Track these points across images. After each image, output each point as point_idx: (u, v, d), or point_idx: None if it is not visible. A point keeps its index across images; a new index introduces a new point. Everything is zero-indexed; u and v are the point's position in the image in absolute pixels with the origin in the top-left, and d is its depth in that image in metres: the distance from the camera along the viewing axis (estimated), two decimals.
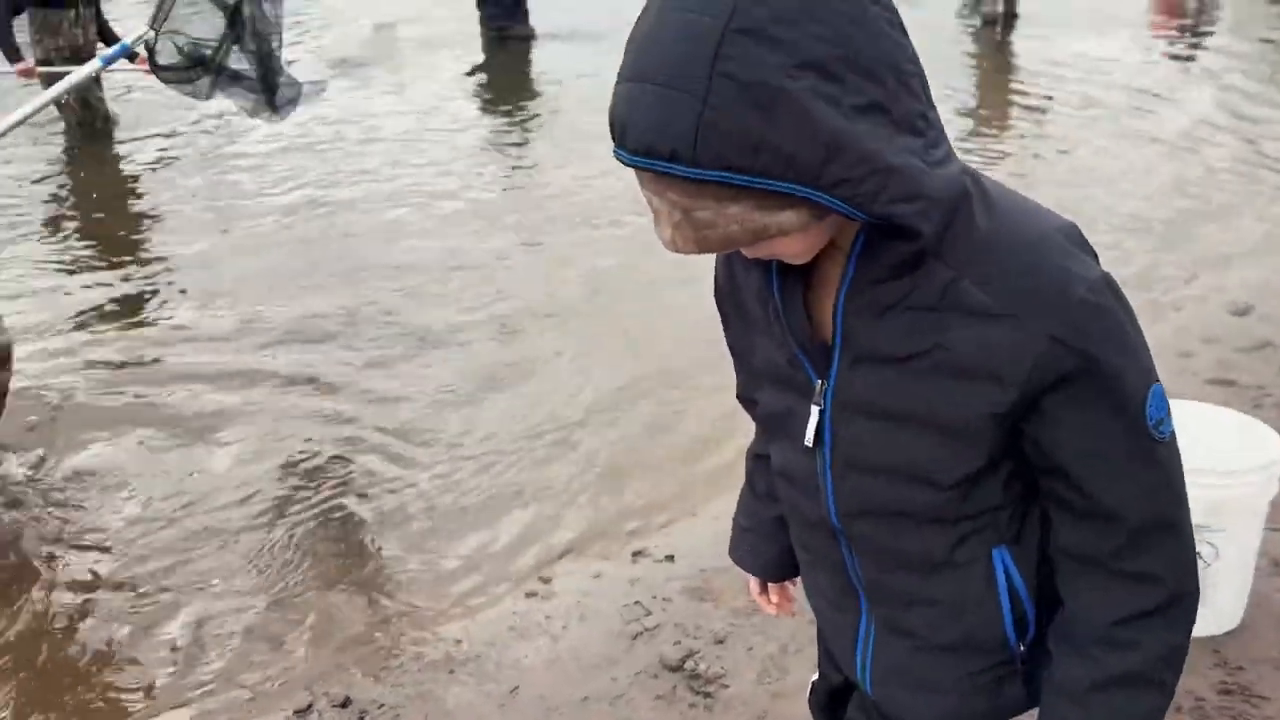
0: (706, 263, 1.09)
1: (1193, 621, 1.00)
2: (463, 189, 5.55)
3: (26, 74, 5.95)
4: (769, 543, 1.29)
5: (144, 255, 4.87)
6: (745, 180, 0.79)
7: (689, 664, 2.26)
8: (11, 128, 2.77)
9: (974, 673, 1.07)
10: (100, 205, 5.55)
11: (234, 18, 3.06)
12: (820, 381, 0.99)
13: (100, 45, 6.19)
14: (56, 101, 6.40)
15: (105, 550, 2.79)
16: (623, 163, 0.83)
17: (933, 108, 0.87)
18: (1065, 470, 0.95)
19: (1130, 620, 0.97)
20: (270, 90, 3.14)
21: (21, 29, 6.42)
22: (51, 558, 2.76)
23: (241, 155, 6.10)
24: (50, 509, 2.96)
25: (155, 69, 3.12)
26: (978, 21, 9.54)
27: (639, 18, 0.84)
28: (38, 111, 2.79)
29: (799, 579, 1.30)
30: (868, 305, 0.93)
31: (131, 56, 3.15)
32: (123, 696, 2.31)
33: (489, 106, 7.33)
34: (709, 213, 0.82)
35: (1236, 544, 2.15)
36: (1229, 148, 6.00)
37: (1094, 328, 0.90)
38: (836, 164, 0.79)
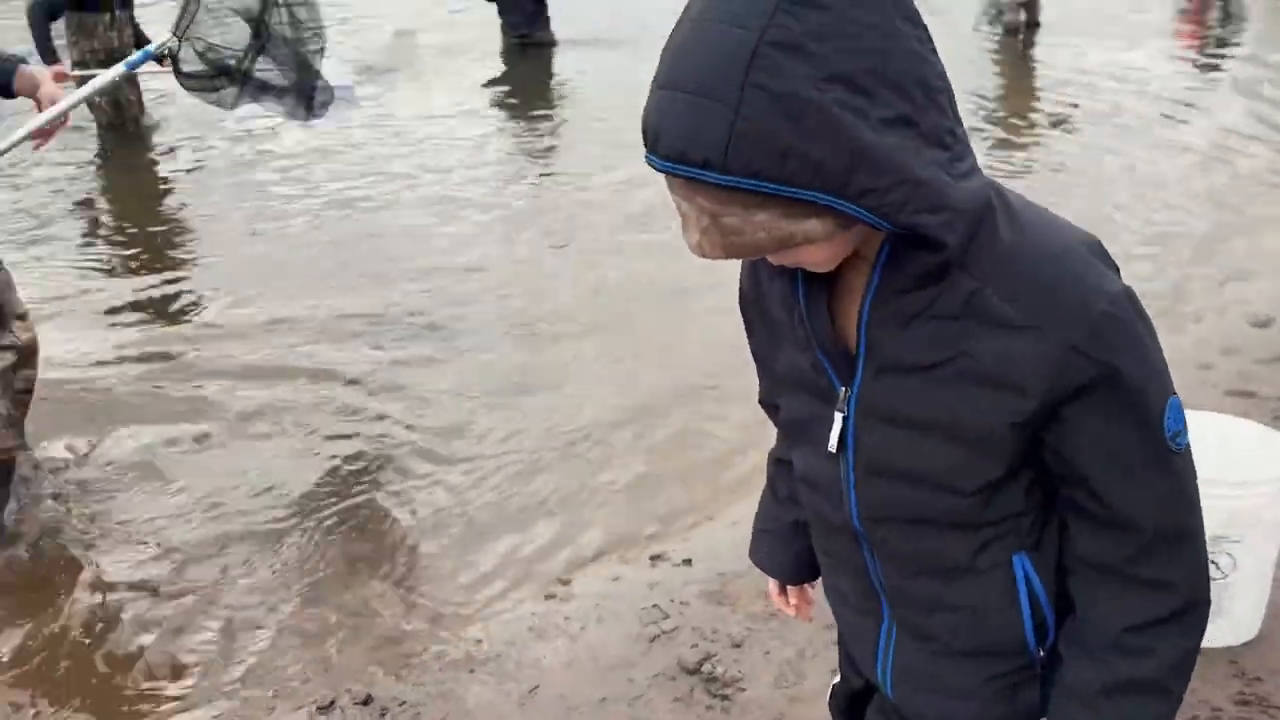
0: (735, 269, 1.11)
1: (1204, 630, 1.02)
2: (489, 194, 5.59)
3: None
4: (789, 546, 1.31)
5: (174, 255, 4.94)
6: (774, 188, 0.81)
7: (706, 667, 2.28)
8: (36, 129, 2.80)
9: (994, 677, 1.09)
10: (130, 206, 5.62)
11: (259, 28, 3.07)
12: (844, 389, 1.01)
13: (135, 49, 6.28)
14: (89, 102, 6.52)
15: (136, 544, 2.83)
16: (654, 168, 0.86)
17: (959, 123, 0.89)
18: (1084, 478, 0.97)
19: (1143, 627, 0.99)
20: (306, 95, 3.16)
21: (58, 35, 6.53)
22: (86, 550, 2.81)
23: (270, 159, 6.17)
24: (85, 502, 3.01)
25: (179, 76, 3.13)
26: (999, 31, 9.52)
27: (674, 28, 0.86)
28: (63, 114, 2.83)
29: (818, 582, 1.32)
30: (892, 314, 0.95)
31: (160, 59, 3.18)
32: (148, 690, 2.35)
33: (513, 113, 7.37)
34: (736, 219, 0.84)
35: (1254, 555, 2.16)
36: (1262, 158, 5.95)
37: (1115, 340, 0.92)
38: (863, 174, 0.81)
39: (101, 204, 5.69)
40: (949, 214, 0.86)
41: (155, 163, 6.32)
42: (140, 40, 6.44)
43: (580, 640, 2.40)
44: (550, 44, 9.25)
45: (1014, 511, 1.02)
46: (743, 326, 1.17)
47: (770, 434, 1.29)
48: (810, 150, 0.80)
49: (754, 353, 1.18)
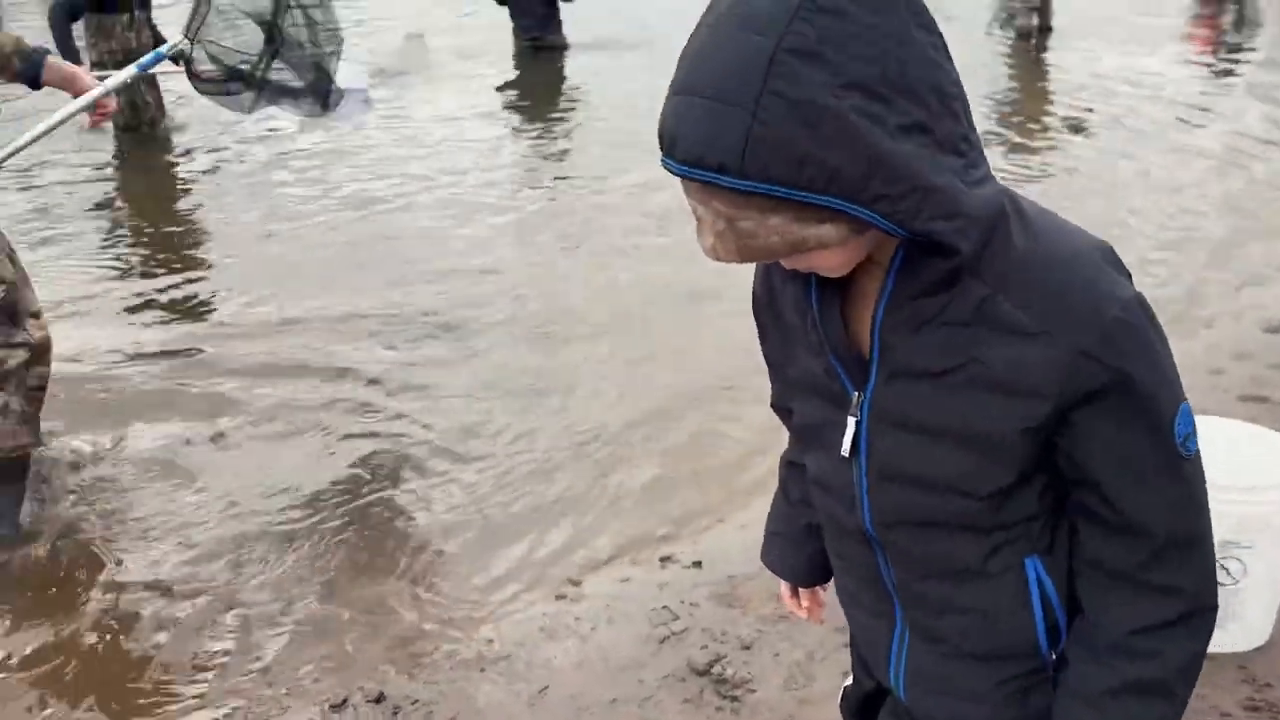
0: (749, 272, 1.13)
1: (1211, 634, 1.03)
2: (504, 197, 5.61)
3: None
4: (801, 549, 1.32)
5: (190, 255, 4.97)
6: (789, 193, 0.82)
7: (716, 669, 2.29)
8: (48, 130, 2.82)
9: (1006, 680, 1.10)
10: (147, 207, 5.66)
11: (272, 32, 3.07)
12: (857, 393, 1.02)
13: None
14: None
15: (153, 541, 2.85)
16: (671, 172, 0.87)
17: (973, 130, 0.90)
18: (1095, 483, 0.98)
19: (1151, 630, 1.00)
20: (322, 94, 3.17)
21: (79, 36, 6.59)
22: (103, 548, 2.83)
23: (286, 161, 6.21)
24: (103, 500, 3.03)
25: (192, 78, 3.14)
26: (1011, 35, 9.50)
27: (691, 34, 0.88)
28: (73, 115, 2.86)
29: (829, 584, 1.33)
30: (905, 320, 0.96)
31: (175, 59, 3.19)
32: (162, 688, 2.36)
33: (526, 116, 7.39)
34: (751, 223, 0.85)
35: (1265, 560, 2.16)
36: (1278, 163, 5.92)
37: (1126, 346, 0.93)
38: (878, 180, 0.82)
39: (118, 205, 5.73)
40: (963, 221, 0.87)
41: (172, 164, 6.36)
42: (158, 42, 6.48)
43: (591, 641, 2.41)
44: (562, 47, 9.27)
45: (1026, 515, 1.03)
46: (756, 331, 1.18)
47: (782, 437, 1.30)
48: (827, 156, 0.81)
49: (767, 357, 1.19)
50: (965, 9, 9.97)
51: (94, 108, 2.87)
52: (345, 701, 2.25)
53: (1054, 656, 1.08)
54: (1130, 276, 0.98)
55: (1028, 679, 1.09)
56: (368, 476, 3.17)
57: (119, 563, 2.77)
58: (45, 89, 2.82)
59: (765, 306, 1.13)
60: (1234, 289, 4.34)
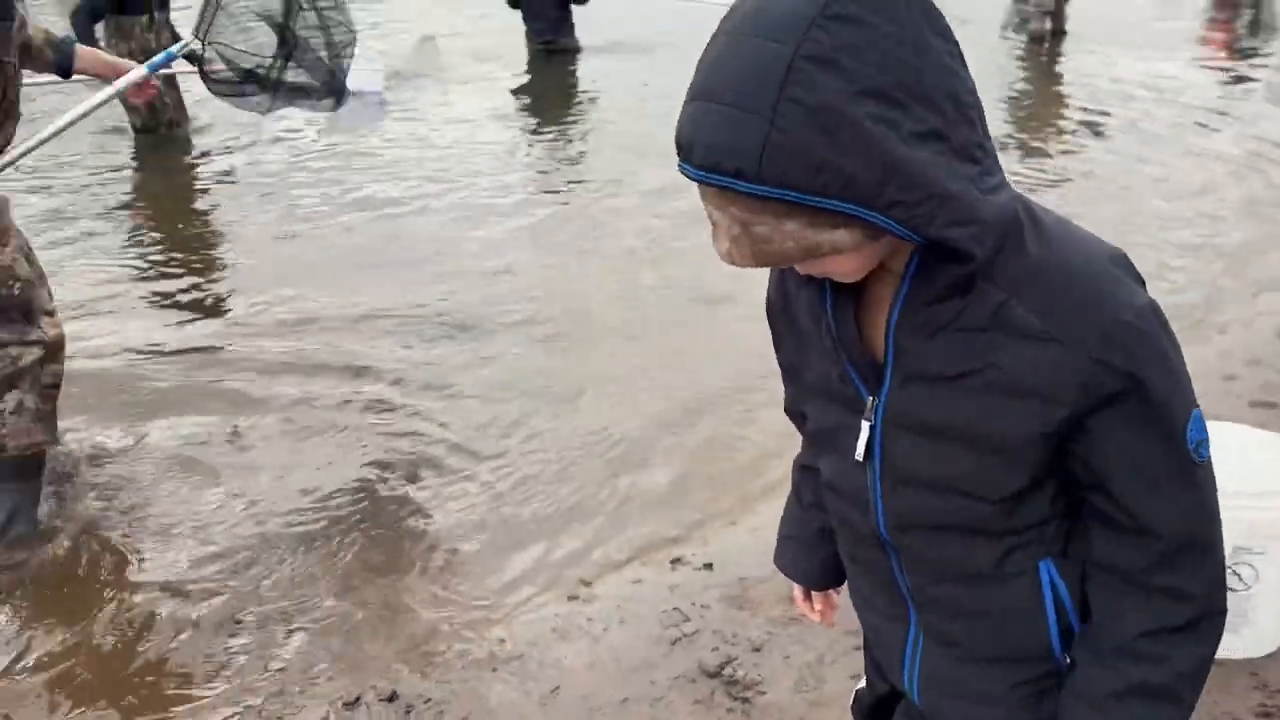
0: (765, 275, 1.14)
1: (1219, 639, 1.03)
2: (518, 200, 5.62)
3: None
4: (814, 552, 1.33)
5: (207, 255, 5.00)
6: (805, 199, 0.83)
7: (727, 670, 2.30)
8: (61, 130, 2.85)
9: (1019, 684, 1.10)
10: (165, 207, 5.70)
11: (284, 34, 3.08)
12: (871, 398, 1.03)
13: None
14: (125, 105, 6.60)
15: (170, 539, 2.87)
16: (688, 177, 0.88)
17: (988, 137, 0.91)
18: (1108, 487, 0.99)
19: (1159, 634, 1.01)
20: (337, 92, 3.18)
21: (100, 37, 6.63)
22: (121, 546, 2.85)
23: (303, 163, 6.23)
24: (121, 498, 3.06)
25: (205, 79, 3.16)
26: (1024, 39, 9.48)
27: (709, 41, 0.89)
28: (87, 114, 2.89)
29: (842, 588, 1.34)
30: (920, 325, 0.97)
31: (190, 59, 3.20)
32: (176, 686, 2.38)
33: (541, 119, 7.41)
34: (767, 228, 0.86)
35: (1276, 566, 2.15)
36: None
37: (1139, 352, 0.94)
38: (894, 187, 0.83)
39: (137, 206, 5.77)
40: (977, 227, 0.88)
41: (190, 166, 6.40)
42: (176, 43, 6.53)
43: (602, 641, 2.42)
44: (575, 50, 9.29)
45: (1039, 519, 1.03)
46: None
47: (796, 441, 1.31)
48: (843, 162, 0.82)
49: (780, 362, 1.20)
50: (979, 12, 9.95)
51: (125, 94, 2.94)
52: (358, 700, 2.27)
53: (1068, 660, 1.09)
54: (1144, 283, 0.99)
55: (1042, 682, 1.10)
56: (382, 475, 3.19)
57: (136, 561, 2.79)
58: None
59: (779, 312, 1.14)
60: (1250, 295, 4.32)
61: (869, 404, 1.03)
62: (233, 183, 5.99)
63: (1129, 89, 7.65)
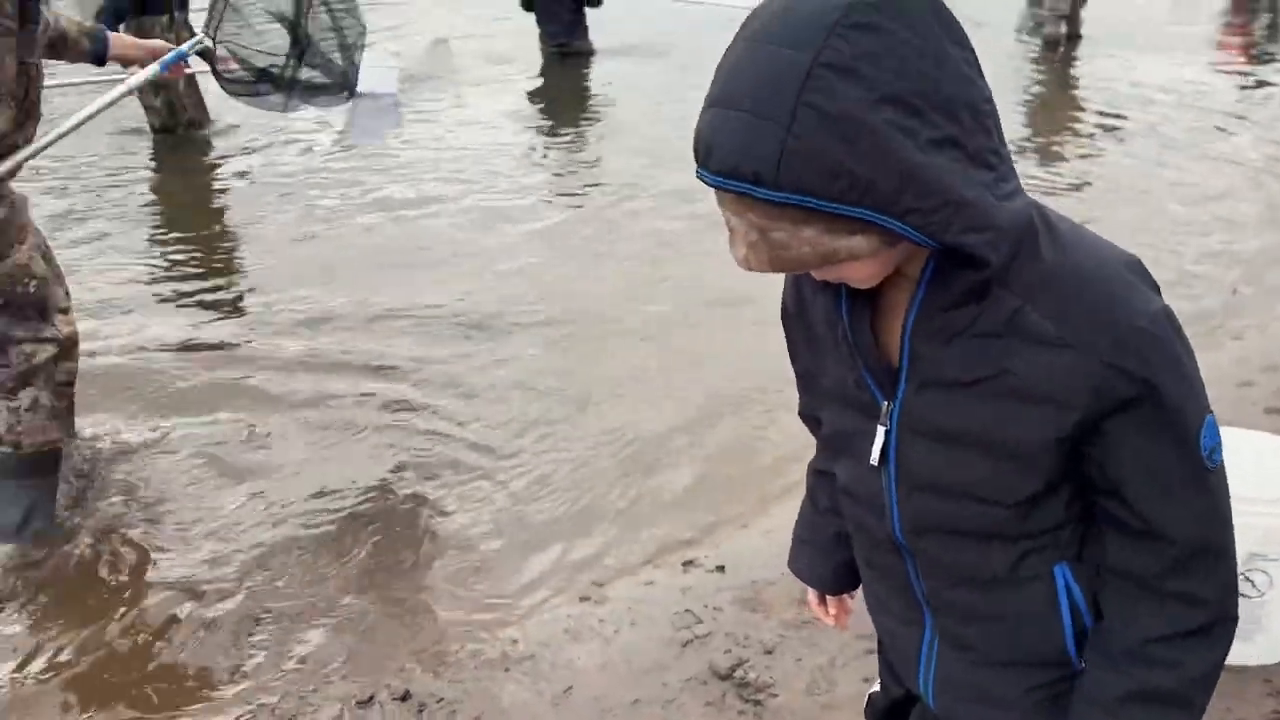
0: (783, 279, 1.14)
1: (1230, 645, 1.04)
2: (535, 203, 5.64)
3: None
4: (829, 557, 1.33)
5: (225, 255, 5.04)
6: (823, 205, 0.84)
7: (739, 672, 2.30)
8: (77, 126, 2.87)
9: (1035, 688, 1.11)
10: (182, 207, 5.75)
11: (296, 33, 3.08)
12: (886, 403, 1.04)
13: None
14: (145, 105, 6.66)
15: (186, 537, 2.89)
16: (705, 183, 0.89)
17: (1004, 144, 0.92)
18: (1121, 492, 0.99)
19: (1170, 639, 1.01)
20: (351, 86, 3.19)
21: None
22: (138, 545, 2.87)
23: (321, 165, 6.26)
24: (138, 496, 3.08)
25: (218, 78, 3.18)
26: (1039, 43, 9.45)
27: (727, 48, 0.90)
28: (99, 112, 2.91)
29: (857, 592, 1.35)
30: (935, 331, 0.97)
31: (204, 55, 3.21)
32: (190, 683, 2.40)
33: (556, 122, 7.43)
34: (784, 234, 0.87)
35: None
36: None
37: (1153, 357, 0.94)
38: (910, 194, 0.84)
39: (154, 205, 5.81)
40: (993, 233, 0.89)
41: (208, 166, 6.44)
42: None
43: (614, 643, 2.43)
44: (589, 53, 9.31)
45: (1054, 523, 1.04)
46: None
47: (813, 445, 1.31)
48: (860, 169, 0.83)
49: (795, 367, 1.21)
50: (995, 15, 9.94)
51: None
52: (372, 699, 2.28)
53: (1083, 664, 1.09)
54: (1158, 289, 0.99)
55: (1057, 686, 1.10)
56: (398, 474, 3.20)
57: (153, 558, 2.82)
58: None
59: (795, 317, 1.15)
60: (1268, 301, 4.30)
61: (884, 409, 1.04)
62: (251, 183, 6.03)
63: (1146, 93, 7.62)
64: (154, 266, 4.86)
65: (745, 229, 0.89)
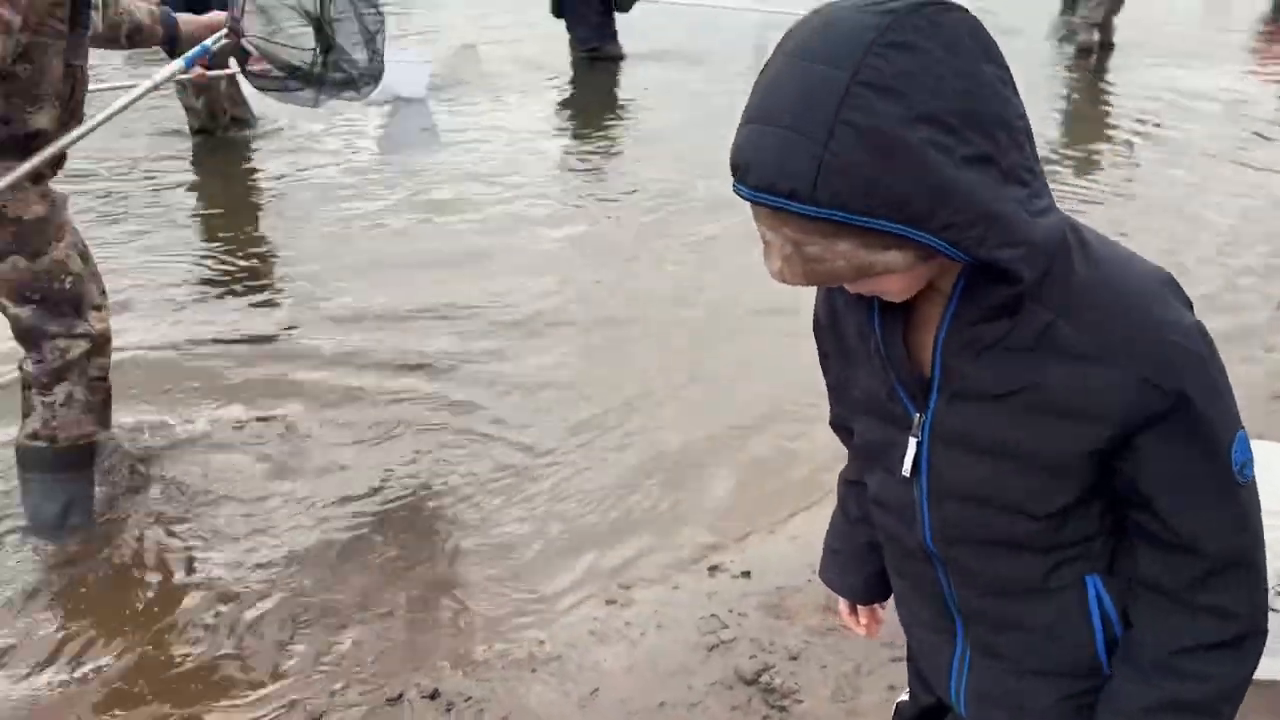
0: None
1: (1258, 659, 1.04)
2: (569, 208, 5.65)
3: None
4: (860, 566, 1.34)
5: (260, 253, 5.07)
6: (858, 220, 0.86)
7: (764, 678, 2.32)
8: (105, 121, 2.91)
9: (1066, 698, 1.12)
10: (220, 205, 5.80)
11: (320, 26, 3.08)
12: (918, 415, 1.05)
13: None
14: (185, 105, 6.73)
15: (217, 533, 2.94)
16: (742, 197, 0.91)
17: (1037, 160, 0.93)
18: (1153, 505, 1.00)
19: (1197, 650, 1.02)
20: (377, 74, 3.18)
21: None
22: (172, 537, 2.92)
23: (357, 168, 6.32)
24: (173, 490, 3.13)
25: (248, 76, 3.21)
26: (1071, 51, 9.39)
27: (765, 64, 0.91)
28: (130, 105, 2.96)
29: (888, 601, 1.36)
30: (967, 344, 0.99)
31: (239, 54, 3.24)
32: (218, 677, 2.43)
33: (587, 128, 7.43)
34: (819, 248, 0.89)
35: None
36: None
37: (1186, 372, 0.95)
38: (946, 210, 0.86)
39: (193, 205, 5.88)
40: (1027, 249, 0.90)
41: (246, 167, 6.51)
42: None
43: (640, 646, 2.45)
44: (618, 58, 9.33)
45: (1086, 534, 1.05)
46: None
47: (843, 456, 1.33)
48: (896, 185, 0.84)
49: (827, 378, 1.23)
50: (1028, 21, 9.88)
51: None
52: (400, 697, 2.31)
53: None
54: (1190, 305, 1.00)
55: (1089, 697, 1.11)
56: (432, 473, 3.23)
57: (186, 554, 2.86)
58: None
59: (827, 328, 1.17)
60: None
61: (916, 421, 1.05)
62: (289, 185, 6.08)
63: (1183, 101, 7.54)
64: (192, 265, 4.92)
65: (780, 243, 0.91)
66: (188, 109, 6.79)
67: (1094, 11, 9.19)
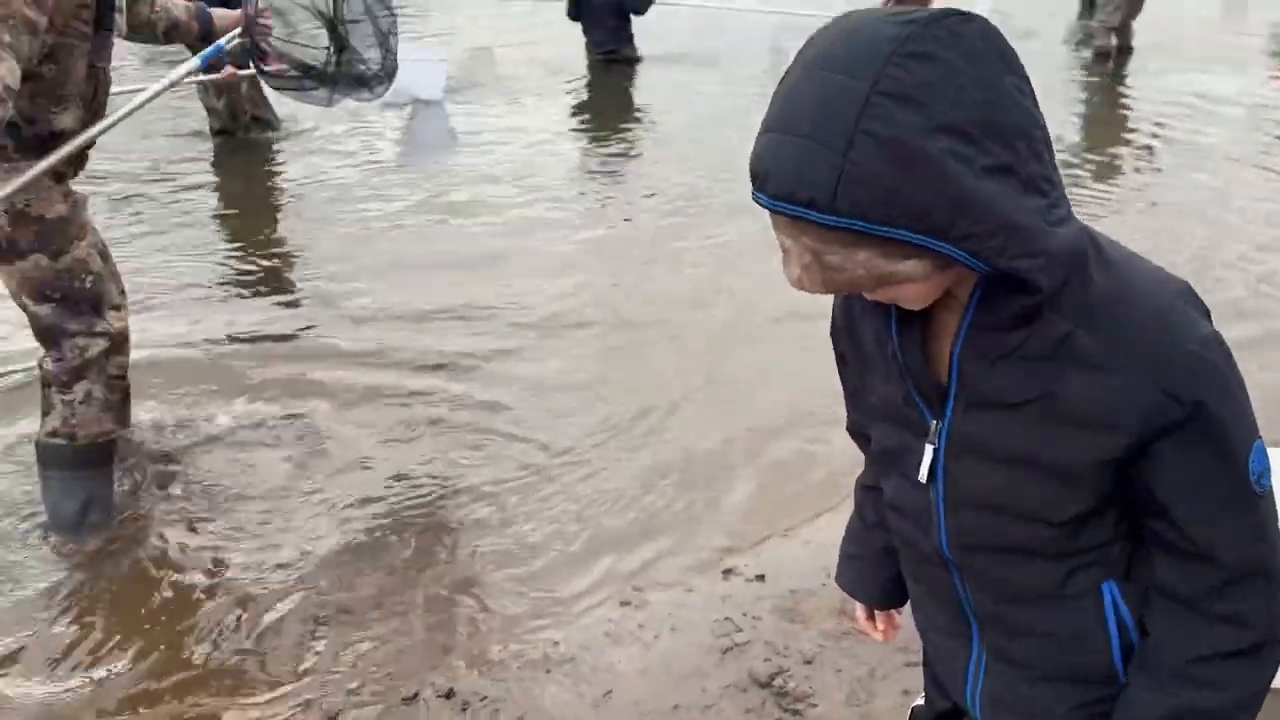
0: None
1: (1275, 668, 1.04)
2: (586, 211, 5.66)
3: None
4: (877, 571, 1.35)
5: (279, 254, 5.12)
6: (877, 230, 0.87)
7: (778, 681, 2.32)
8: (123, 117, 2.94)
9: (1082, 704, 1.12)
10: (239, 206, 5.86)
11: (334, 26, 3.11)
12: (935, 422, 1.06)
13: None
14: (206, 106, 6.78)
15: (236, 531, 2.96)
16: (761, 206, 0.91)
17: (1056, 170, 0.94)
18: (1170, 514, 1.01)
19: (1213, 659, 1.02)
20: (390, 73, 3.22)
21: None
22: (190, 535, 2.94)
23: (376, 169, 6.36)
24: (191, 488, 3.16)
25: (263, 75, 3.23)
26: (1089, 56, 9.34)
27: (785, 73, 0.92)
28: (147, 102, 2.99)
29: (904, 607, 1.36)
30: (984, 352, 0.99)
31: (256, 54, 3.27)
32: (234, 675, 2.45)
33: (604, 131, 7.44)
34: (838, 257, 0.89)
35: None
36: None
37: (1203, 382, 0.96)
38: (965, 220, 0.86)
39: (213, 205, 5.93)
40: (1046, 259, 0.91)
41: (267, 168, 6.55)
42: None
43: (654, 648, 2.45)
44: (635, 60, 9.35)
45: (1102, 541, 1.05)
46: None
47: (861, 462, 1.33)
48: (916, 195, 0.85)
49: (844, 383, 1.23)
50: (1044, 24, 9.85)
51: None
52: (416, 696, 2.33)
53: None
54: (1209, 315, 1.01)
55: (1104, 704, 1.11)
56: (449, 472, 3.25)
57: (205, 552, 2.89)
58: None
59: (844, 335, 1.17)
60: None
61: (933, 428, 1.06)
62: (308, 186, 6.12)
63: (1204, 106, 7.48)
64: (212, 264, 4.96)
65: (799, 251, 0.91)
66: (209, 110, 6.84)
67: (1112, 15, 9.14)
